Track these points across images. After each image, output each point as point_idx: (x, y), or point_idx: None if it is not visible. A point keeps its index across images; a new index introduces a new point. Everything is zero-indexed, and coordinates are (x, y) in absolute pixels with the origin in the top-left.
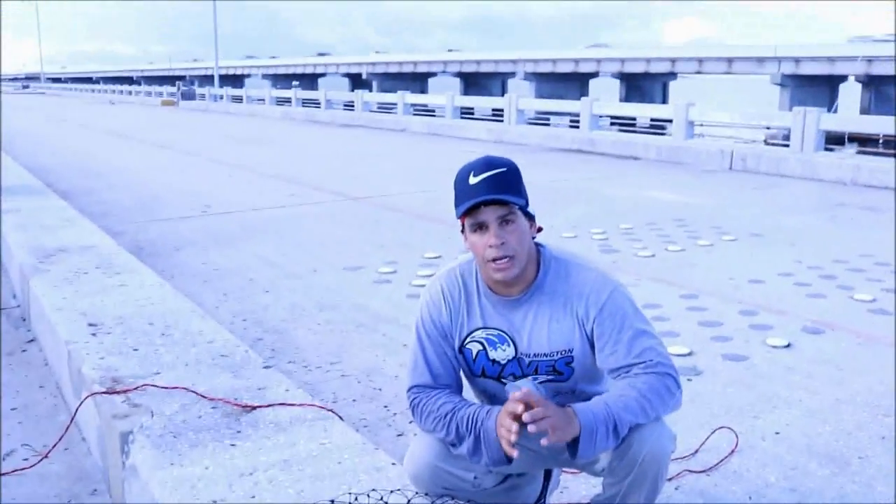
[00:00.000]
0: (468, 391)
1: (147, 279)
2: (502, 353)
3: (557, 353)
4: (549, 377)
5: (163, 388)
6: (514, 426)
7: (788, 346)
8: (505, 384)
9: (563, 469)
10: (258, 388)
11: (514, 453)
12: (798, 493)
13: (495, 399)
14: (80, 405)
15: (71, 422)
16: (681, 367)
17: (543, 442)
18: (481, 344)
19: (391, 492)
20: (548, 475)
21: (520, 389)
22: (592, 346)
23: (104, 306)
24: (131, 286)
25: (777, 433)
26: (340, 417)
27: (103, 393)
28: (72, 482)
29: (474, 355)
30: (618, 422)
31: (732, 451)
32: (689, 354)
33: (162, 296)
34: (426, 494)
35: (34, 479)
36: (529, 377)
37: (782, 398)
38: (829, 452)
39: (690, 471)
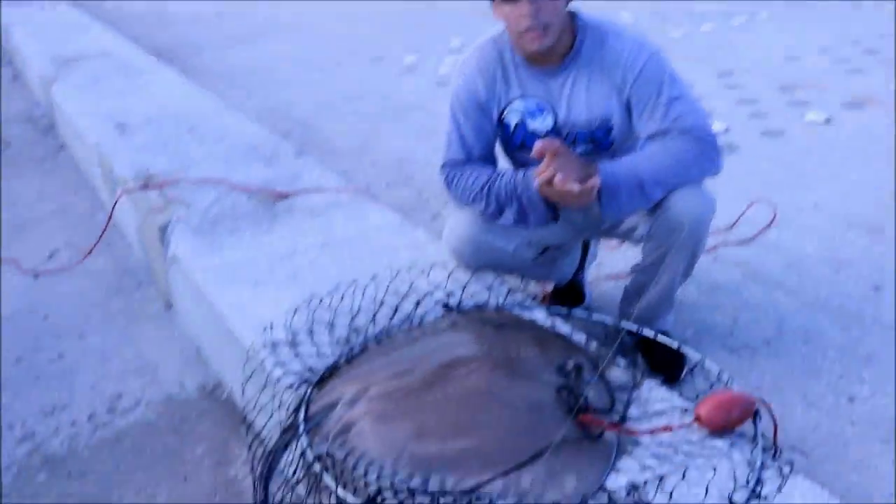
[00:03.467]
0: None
1: (170, 78)
2: (542, 123)
3: (596, 121)
4: (588, 147)
5: (197, 181)
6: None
7: (827, 121)
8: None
9: (604, 239)
10: (292, 176)
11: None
12: (836, 261)
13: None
14: (115, 202)
15: (109, 219)
16: None
17: (557, 180)
18: (520, 114)
19: (432, 266)
20: (585, 248)
21: None
22: (631, 115)
23: (129, 107)
24: (154, 86)
25: (815, 205)
26: (377, 200)
27: (138, 189)
28: (118, 276)
29: (513, 126)
30: (644, 179)
31: (770, 223)
32: (726, 131)
33: (186, 94)
34: (467, 267)
35: (81, 276)
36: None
37: (820, 172)
38: (868, 223)
39: (729, 243)
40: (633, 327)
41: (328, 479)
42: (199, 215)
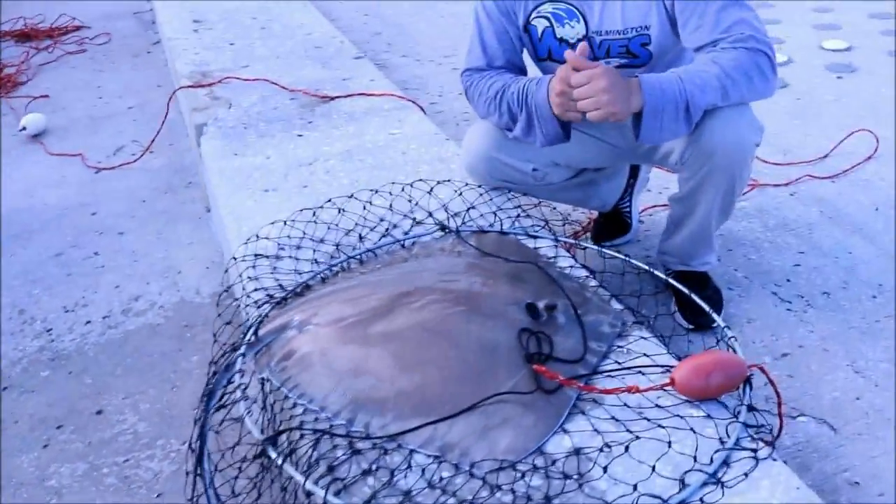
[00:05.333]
0: None
1: None
2: (571, 31)
3: (632, 30)
4: (623, 61)
5: (247, 80)
6: (559, 87)
7: None
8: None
9: (643, 164)
10: (343, 78)
11: (575, 117)
12: None
13: None
14: (169, 100)
15: (165, 117)
16: (834, 65)
17: (591, 116)
18: (547, 20)
19: (437, 182)
20: (635, 172)
21: None
22: (674, 24)
23: (212, 2)
24: None
25: None
26: (422, 109)
27: (189, 87)
28: (171, 174)
29: (540, 33)
30: (690, 101)
31: (869, 157)
32: (848, 49)
33: None
34: (479, 186)
35: (138, 173)
36: (602, 61)
37: None
38: None
39: (813, 176)
40: (661, 267)
41: (251, 417)
42: (238, 116)
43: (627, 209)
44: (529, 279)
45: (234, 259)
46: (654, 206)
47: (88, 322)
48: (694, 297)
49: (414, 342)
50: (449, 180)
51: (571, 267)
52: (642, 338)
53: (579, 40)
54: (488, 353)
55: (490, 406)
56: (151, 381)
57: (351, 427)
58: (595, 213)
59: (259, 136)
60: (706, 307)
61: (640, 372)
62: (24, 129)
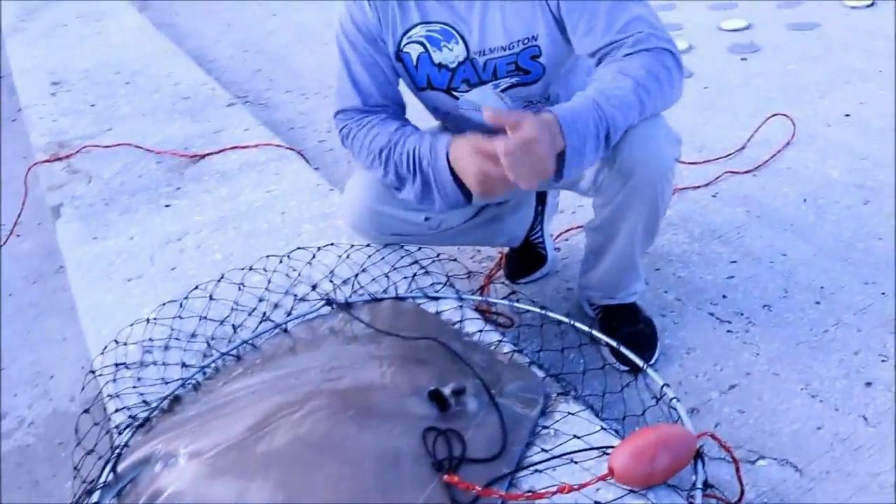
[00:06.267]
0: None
1: (128, 22)
2: (450, 54)
3: (518, 43)
4: (514, 80)
5: (108, 147)
6: (481, 167)
7: (872, 4)
8: (458, 97)
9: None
10: (214, 131)
11: (501, 194)
12: (866, 189)
13: (449, 117)
14: (26, 176)
15: (25, 197)
16: (736, 46)
17: (527, 186)
18: (422, 45)
19: (318, 248)
20: (542, 198)
21: (475, 104)
22: (563, 30)
23: (73, 60)
24: (109, 32)
25: (847, 116)
26: (302, 155)
27: (45, 161)
28: (40, 260)
29: (415, 60)
30: (611, 125)
31: (788, 143)
32: (747, 28)
33: (138, 40)
34: (368, 245)
35: (4, 261)
36: (490, 84)
37: (857, 70)
38: None
39: (733, 172)
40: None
41: None
42: (98, 190)
43: (540, 240)
44: (431, 358)
45: (93, 373)
46: (570, 230)
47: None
48: (624, 350)
49: (298, 465)
50: (333, 243)
51: (481, 331)
52: (570, 413)
53: (461, 63)
54: (389, 466)
55: None
56: None
57: None
58: (506, 249)
59: (121, 213)
60: (638, 361)
61: (572, 460)
62: None
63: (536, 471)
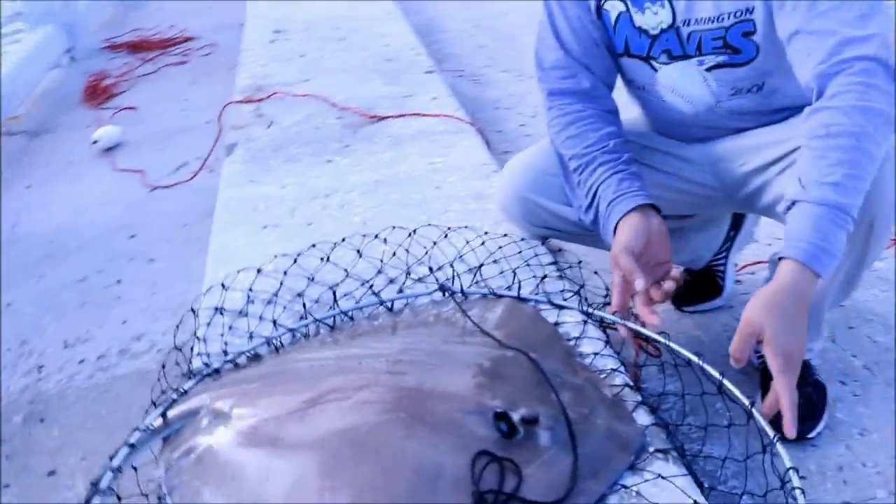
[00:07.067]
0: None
1: None
2: (653, 18)
3: (729, 15)
4: (721, 58)
5: (298, 96)
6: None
7: None
8: (657, 69)
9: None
10: (404, 95)
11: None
12: None
13: (645, 94)
14: (220, 115)
15: (219, 135)
16: None
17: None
18: (624, 3)
19: (449, 229)
20: (737, 222)
21: (675, 81)
22: None
23: (300, 12)
24: None
25: None
26: (481, 133)
27: (238, 102)
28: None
29: (614, 20)
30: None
31: None
32: None
33: (368, 2)
34: (505, 235)
35: (190, 193)
36: (694, 59)
37: None
38: None
39: None
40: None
41: None
42: (272, 136)
43: (722, 267)
44: (516, 374)
45: (193, 311)
46: (758, 263)
47: (81, 361)
48: (757, 417)
49: (330, 457)
50: (467, 226)
51: (597, 354)
52: (662, 477)
53: (664, 31)
54: (424, 484)
55: None
56: (116, 442)
57: None
58: (679, 268)
59: (285, 161)
60: (769, 431)
61: None
62: (95, 142)
63: None
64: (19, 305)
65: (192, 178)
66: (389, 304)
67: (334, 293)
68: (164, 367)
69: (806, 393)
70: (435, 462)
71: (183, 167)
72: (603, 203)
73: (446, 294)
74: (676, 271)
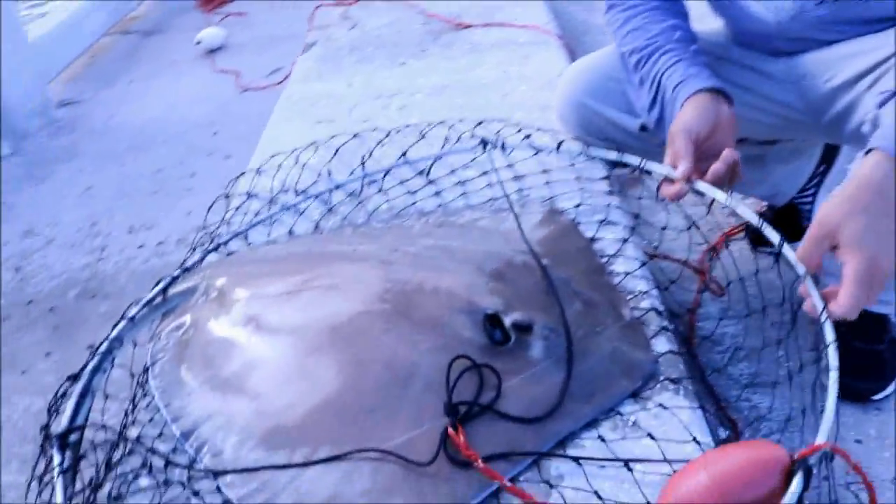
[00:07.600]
0: None
1: None
2: None
3: None
4: None
5: (388, 0)
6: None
7: None
8: None
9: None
10: (496, 7)
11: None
12: None
13: (727, 7)
14: (311, 16)
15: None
16: None
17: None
18: None
19: (498, 132)
20: (829, 156)
21: None
22: None
23: None
24: None
25: None
26: (567, 48)
27: (329, 4)
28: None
29: None
30: None
31: None
32: None
33: None
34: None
35: (275, 96)
36: None
37: None
38: None
39: None
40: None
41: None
42: (353, 38)
43: (809, 206)
44: (523, 279)
45: (226, 197)
46: None
47: (141, 247)
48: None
49: (307, 345)
50: (521, 130)
51: (627, 274)
52: (663, 406)
53: None
54: (395, 382)
55: (361, 463)
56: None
57: (196, 455)
58: (763, 203)
59: (358, 61)
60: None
61: (627, 466)
62: (199, 42)
63: (577, 462)
64: (98, 190)
65: (281, 82)
66: (427, 169)
67: (363, 158)
68: (193, 248)
69: (877, 351)
70: (410, 360)
71: (276, 71)
72: (668, 91)
73: (486, 148)
74: (731, 153)
